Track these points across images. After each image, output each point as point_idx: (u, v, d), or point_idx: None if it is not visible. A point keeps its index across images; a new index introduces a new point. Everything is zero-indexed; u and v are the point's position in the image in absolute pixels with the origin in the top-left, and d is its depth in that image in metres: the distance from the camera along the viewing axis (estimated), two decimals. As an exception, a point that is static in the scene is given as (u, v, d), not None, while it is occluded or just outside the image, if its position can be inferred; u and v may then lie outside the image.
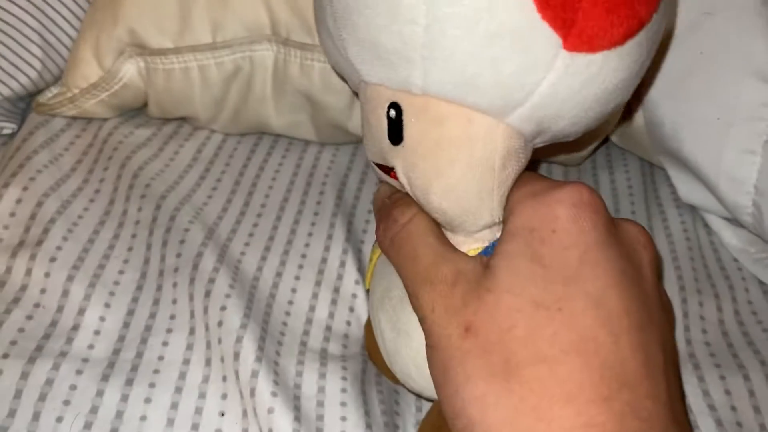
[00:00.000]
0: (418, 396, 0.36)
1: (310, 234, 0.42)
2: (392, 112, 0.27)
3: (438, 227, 0.30)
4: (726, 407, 0.35)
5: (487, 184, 0.27)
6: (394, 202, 0.32)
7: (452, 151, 0.27)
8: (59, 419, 0.32)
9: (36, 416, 0.32)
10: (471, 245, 0.29)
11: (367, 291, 0.36)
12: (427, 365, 0.27)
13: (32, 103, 0.48)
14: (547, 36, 0.24)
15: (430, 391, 0.29)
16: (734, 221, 0.44)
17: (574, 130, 0.28)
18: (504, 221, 0.28)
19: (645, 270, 0.28)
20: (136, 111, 0.49)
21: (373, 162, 0.30)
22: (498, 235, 0.29)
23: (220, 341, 0.35)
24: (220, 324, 0.35)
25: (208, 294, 0.36)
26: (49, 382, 0.33)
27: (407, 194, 0.30)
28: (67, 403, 0.32)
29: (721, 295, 0.41)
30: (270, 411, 0.32)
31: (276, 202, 0.44)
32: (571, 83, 0.25)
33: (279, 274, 0.40)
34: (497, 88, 0.25)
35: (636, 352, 0.25)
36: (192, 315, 0.36)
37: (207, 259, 0.38)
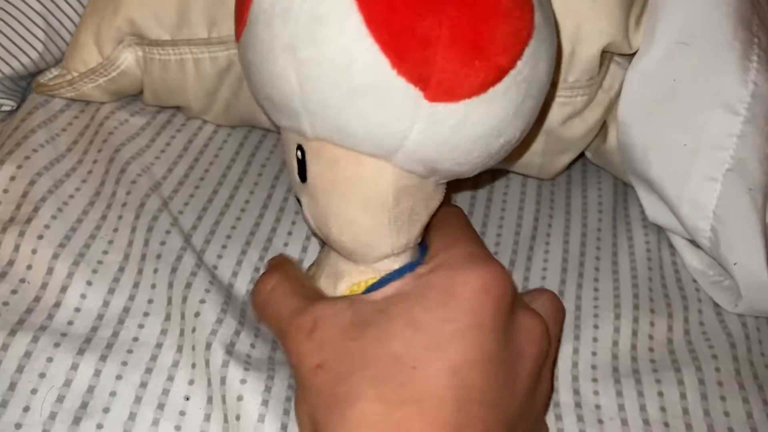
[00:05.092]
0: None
1: (289, 233, 0.44)
2: (299, 153, 0.30)
3: (300, 287, 0.32)
4: (659, 423, 0.36)
5: (381, 219, 0.30)
6: (266, 270, 0.35)
7: (345, 189, 0.29)
8: (33, 391, 0.33)
9: (12, 386, 0.33)
10: (369, 275, 0.32)
11: None
12: None
13: (32, 82, 0.49)
14: (406, 89, 0.25)
15: None
16: (696, 243, 0.45)
17: (465, 170, 0.29)
18: (425, 263, 0.31)
19: (524, 362, 0.30)
20: (132, 97, 0.50)
21: (296, 197, 0.33)
22: (396, 265, 0.31)
23: (194, 330, 0.36)
24: (197, 315, 0.36)
25: (189, 285, 0.38)
26: (27, 354, 0.34)
27: (281, 259, 0.35)
28: (42, 375, 0.34)
29: (675, 314, 0.42)
30: (239, 398, 0.34)
31: (260, 199, 0.45)
32: (439, 130, 0.26)
33: (257, 270, 0.41)
34: (369, 136, 0.27)
35: (477, 424, 0.27)
36: (169, 302, 0.38)
37: (190, 253, 0.40)
